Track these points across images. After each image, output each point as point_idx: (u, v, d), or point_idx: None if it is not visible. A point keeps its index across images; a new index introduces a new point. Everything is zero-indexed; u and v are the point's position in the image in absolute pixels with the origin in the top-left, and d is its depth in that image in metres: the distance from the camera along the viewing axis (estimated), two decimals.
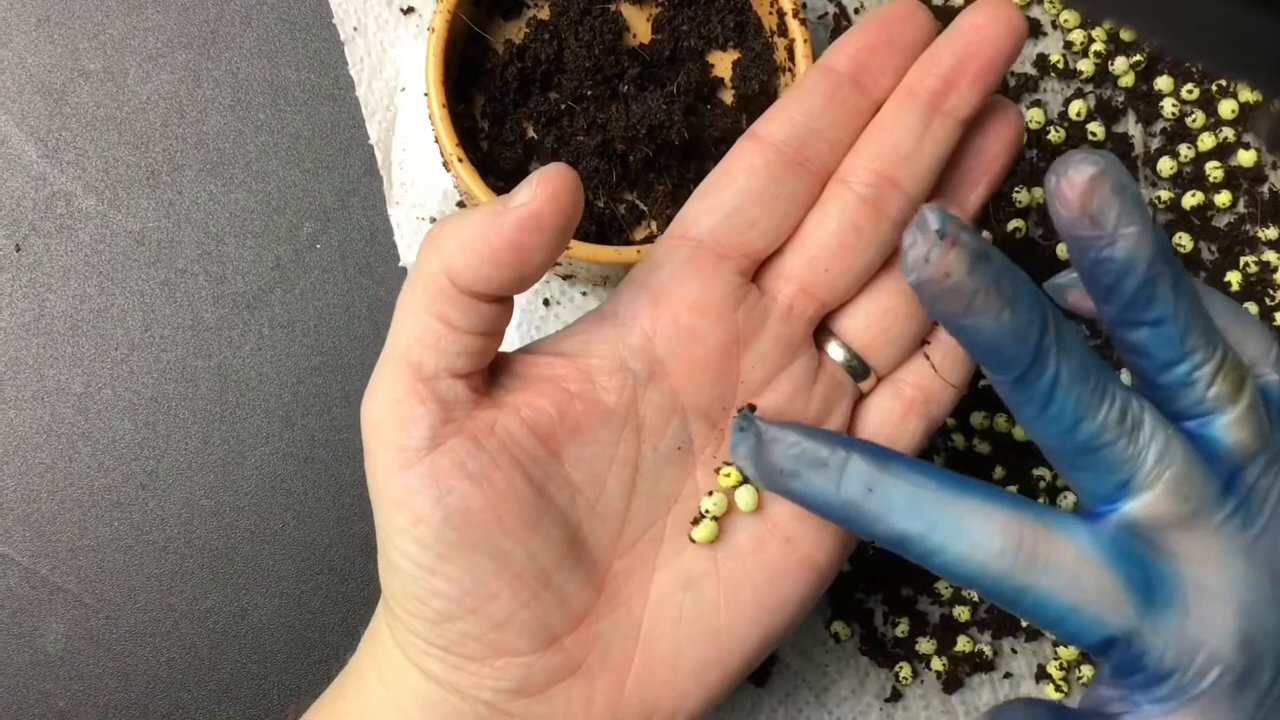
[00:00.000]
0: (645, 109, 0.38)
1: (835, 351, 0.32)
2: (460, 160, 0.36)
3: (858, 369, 0.32)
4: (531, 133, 0.40)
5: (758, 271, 0.32)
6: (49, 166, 0.41)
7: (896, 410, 0.33)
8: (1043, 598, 0.27)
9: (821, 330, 0.32)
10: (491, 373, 0.30)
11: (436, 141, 0.37)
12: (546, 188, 0.28)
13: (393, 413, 0.29)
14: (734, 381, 0.31)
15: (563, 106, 0.39)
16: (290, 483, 0.40)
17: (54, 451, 0.40)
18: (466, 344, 0.29)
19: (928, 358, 0.33)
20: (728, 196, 0.31)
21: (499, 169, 0.39)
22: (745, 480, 0.31)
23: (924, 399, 0.33)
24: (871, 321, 0.32)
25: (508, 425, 0.29)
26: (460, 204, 0.41)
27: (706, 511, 0.31)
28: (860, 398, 0.33)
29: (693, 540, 0.31)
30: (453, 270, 0.28)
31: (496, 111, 0.39)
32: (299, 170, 0.41)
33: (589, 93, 0.39)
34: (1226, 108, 0.41)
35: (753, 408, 0.31)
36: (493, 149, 0.39)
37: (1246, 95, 0.42)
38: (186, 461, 0.40)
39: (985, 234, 0.42)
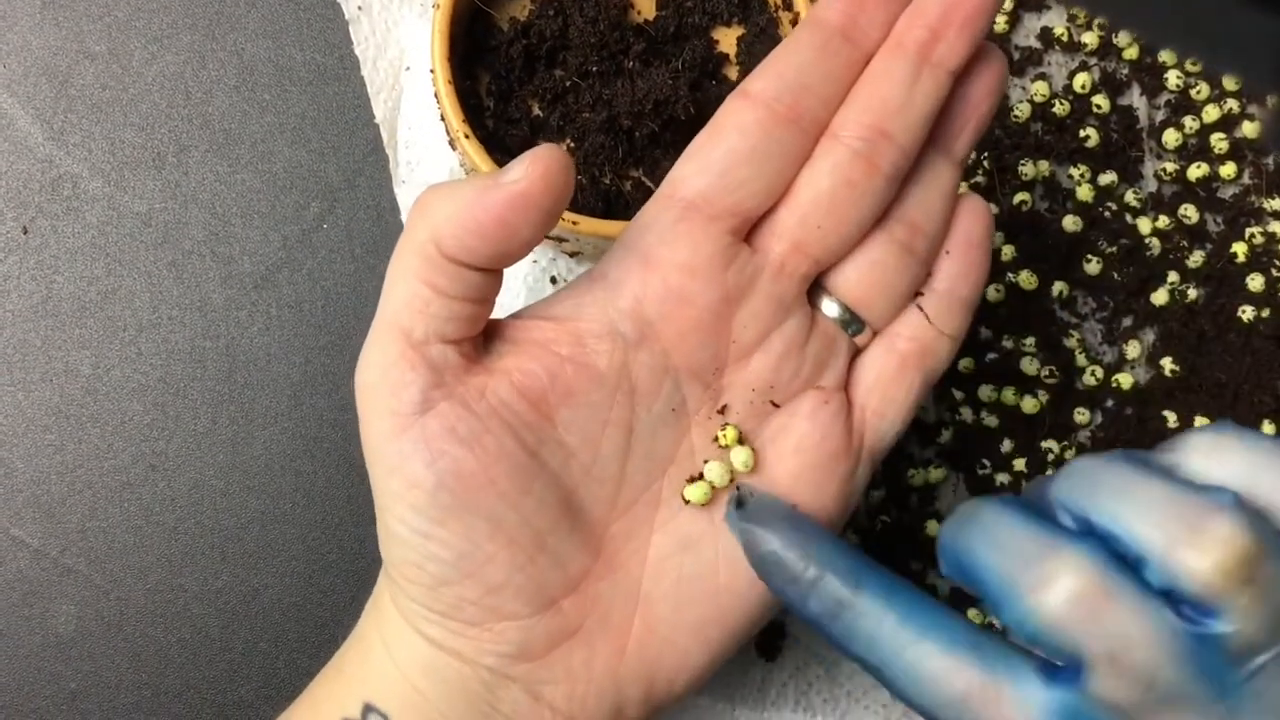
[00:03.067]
0: (650, 85, 0.38)
1: (829, 308, 0.32)
2: (467, 136, 0.36)
3: (852, 324, 0.32)
4: (537, 110, 0.40)
5: (750, 229, 0.31)
6: (55, 149, 0.41)
7: (892, 364, 0.32)
8: None
9: (814, 287, 0.32)
10: (484, 339, 0.30)
11: (442, 119, 0.38)
12: (538, 167, 0.28)
13: (384, 378, 0.29)
14: (726, 341, 0.31)
15: (568, 83, 0.39)
16: (299, 462, 0.41)
17: (63, 433, 0.40)
18: (455, 310, 0.29)
19: (921, 309, 0.33)
20: (718, 156, 0.31)
21: (505, 146, 0.39)
22: (741, 440, 0.31)
23: (920, 351, 0.32)
24: (863, 276, 0.32)
25: (498, 390, 0.29)
26: None
27: (709, 481, 0.31)
28: (856, 353, 0.33)
29: (685, 501, 0.31)
30: (440, 240, 0.28)
31: (502, 89, 0.39)
32: (305, 150, 0.41)
33: (594, 69, 0.39)
34: (1231, 80, 0.42)
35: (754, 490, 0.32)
36: (498, 127, 0.39)
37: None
38: (196, 442, 0.40)
39: (991, 207, 0.42)
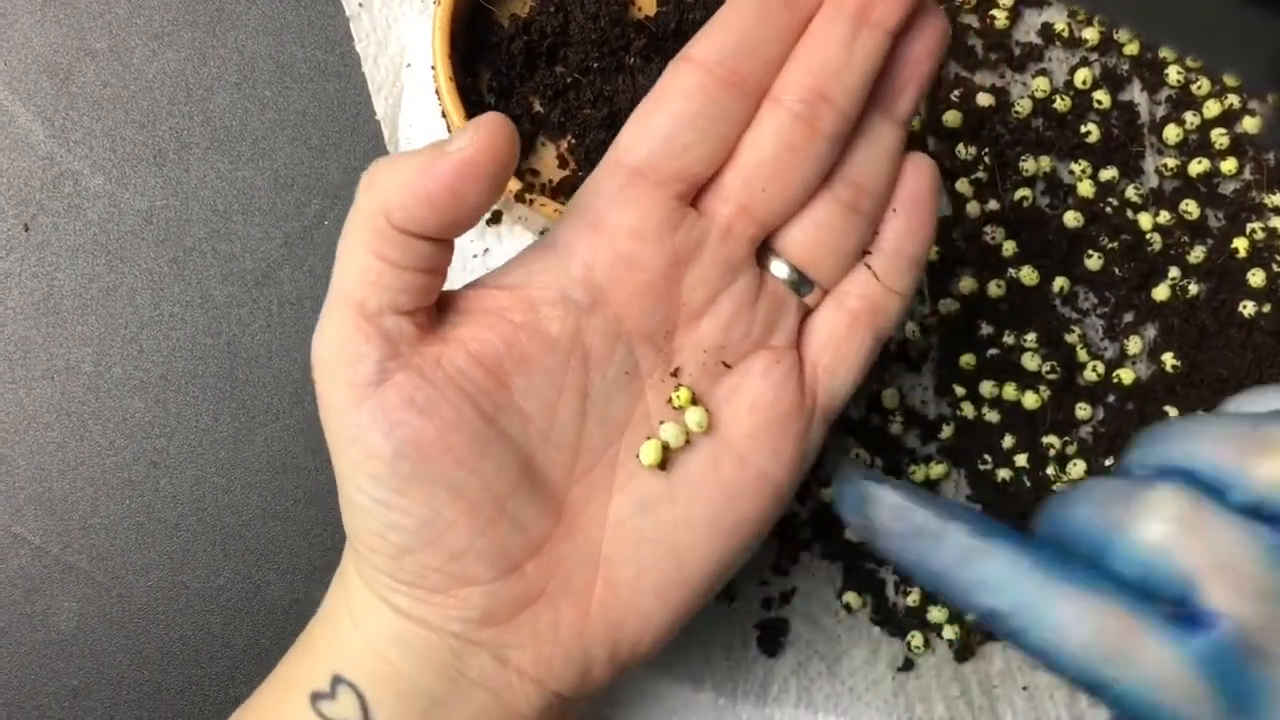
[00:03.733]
0: (652, 81, 0.38)
1: (778, 269, 0.33)
2: None
3: (801, 284, 0.33)
4: (538, 107, 0.40)
5: (697, 194, 0.32)
6: (56, 146, 0.41)
7: (843, 322, 0.33)
8: (1126, 693, 0.26)
9: (763, 249, 0.33)
10: (438, 310, 0.31)
11: (444, 116, 0.38)
12: (482, 135, 0.28)
13: (340, 351, 0.29)
14: (676, 304, 0.32)
15: (569, 80, 0.39)
16: (301, 459, 0.41)
17: (64, 430, 0.40)
18: (407, 281, 0.29)
19: (869, 267, 0.33)
20: (662, 122, 0.31)
21: None
22: (695, 401, 0.32)
23: (870, 309, 0.33)
24: (810, 236, 0.32)
25: (454, 358, 0.30)
26: None
27: (664, 441, 0.31)
28: (807, 313, 0.33)
29: (641, 463, 0.31)
30: (388, 210, 0.28)
31: (503, 86, 0.39)
32: (306, 147, 0.41)
33: (595, 65, 0.39)
34: (1231, 76, 0.42)
35: (858, 455, 0.31)
36: None
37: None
38: (197, 439, 0.40)
39: (992, 203, 0.42)
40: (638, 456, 0.32)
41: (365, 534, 0.30)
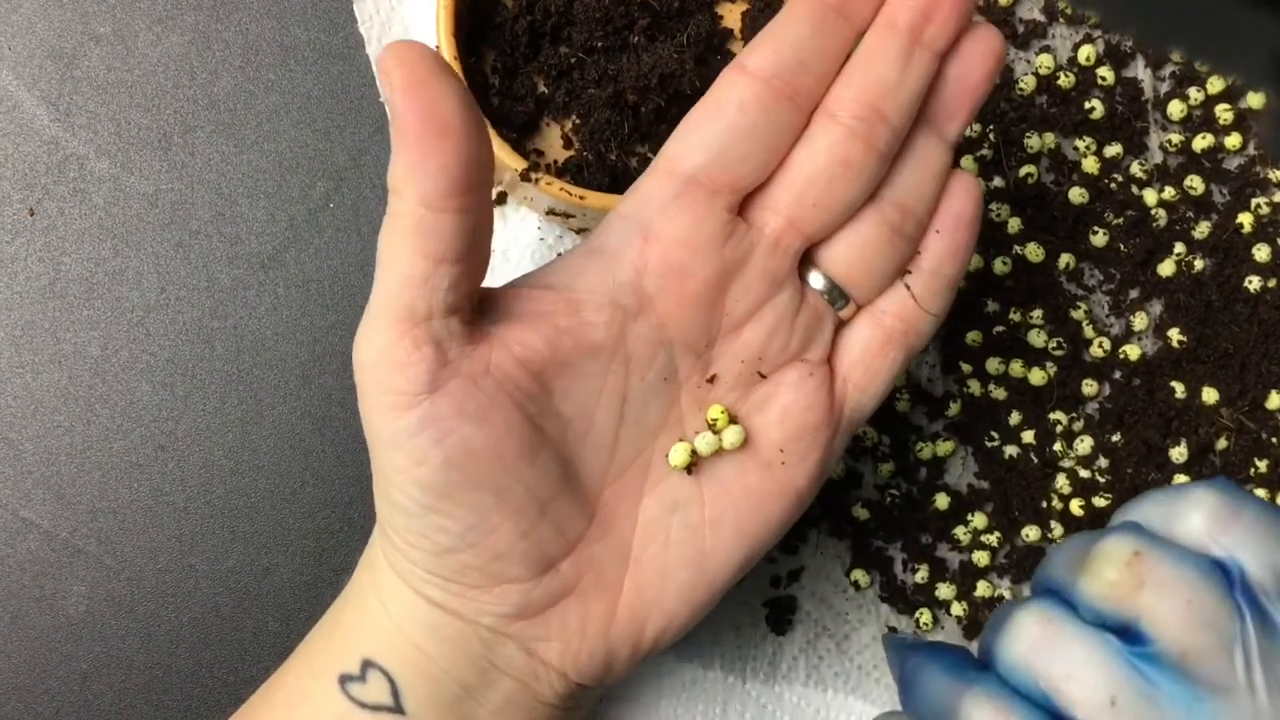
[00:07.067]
0: (656, 59, 0.38)
1: (816, 281, 0.33)
2: None
3: (838, 299, 0.33)
4: (542, 87, 0.40)
5: (743, 203, 0.32)
6: (61, 131, 0.41)
7: (877, 340, 0.33)
8: None
9: (803, 260, 0.33)
10: (481, 309, 0.30)
11: None
12: (401, 99, 0.27)
13: (387, 357, 0.29)
14: (720, 314, 0.32)
15: (573, 60, 0.39)
16: (309, 441, 0.41)
17: (72, 415, 0.40)
18: (455, 275, 0.28)
19: (908, 288, 0.33)
20: (717, 132, 0.31)
21: (510, 124, 0.39)
22: (733, 420, 0.32)
23: (904, 329, 0.33)
24: (853, 253, 0.32)
25: (501, 363, 0.30)
26: None
27: (698, 450, 0.32)
28: (840, 325, 0.33)
29: (670, 464, 0.32)
30: (424, 196, 0.28)
31: (507, 66, 0.39)
32: (310, 130, 0.41)
33: (599, 45, 0.39)
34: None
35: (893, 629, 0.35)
36: (504, 104, 0.39)
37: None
38: (205, 422, 0.40)
39: (997, 180, 0.42)
40: (667, 459, 0.32)
41: (405, 531, 0.30)
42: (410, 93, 0.27)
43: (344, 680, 0.31)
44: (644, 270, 0.31)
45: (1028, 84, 0.42)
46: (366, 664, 0.31)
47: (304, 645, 0.33)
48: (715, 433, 0.32)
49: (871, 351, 0.33)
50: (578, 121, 0.40)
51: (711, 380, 0.32)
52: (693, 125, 0.32)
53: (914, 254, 0.33)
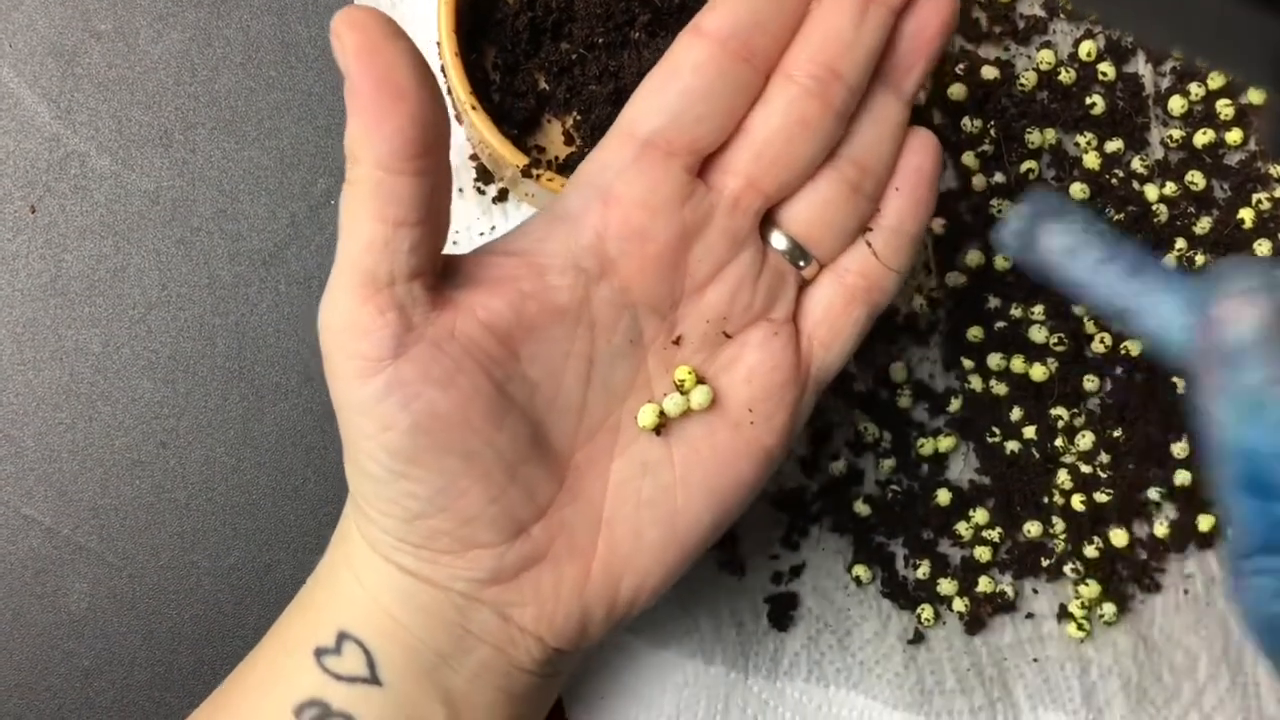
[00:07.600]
0: (657, 56, 0.38)
1: (777, 241, 0.33)
2: (474, 108, 0.36)
3: (800, 258, 0.33)
4: (543, 83, 0.40)
5: (703, 166, 0.32)
6: (62, 128, 0.41)
7: (840, 298, 0.34)
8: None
9: (763, 221, 0.33)
10: (445, 275, 0.31)
11: (449, 93, 0.37)
12: (354, 66, 0.27)
13: (353, 322, 0.29)
14: (683, 275, 0.32)
15: (574, 56, 0.39)
16: (310, 437, 0.41)
17: (74, 411, 0.40)
18: (414, 238, 0.29)
19: (869, 245, 0.33)
20: (674, 95, 0.31)
21: (511, 120, 0.39)
22: (701, 381, 0.32)
23: (867, 286, 0.34)
24: (813, 212, 0.33)
25: (466, 328, 0.30)
26: (473, 156, 0.41)
27: (665, 411, 0.32)
28: (803, 285, 0.34)
29: (639, 426, 0.32)
30: (380, 159, 0.28)
31: (508, 62, 0.39)
32: (312, 127, 0.41)
33: (600, 41, 0.39)
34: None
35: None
36: (505, 100, 0.39)
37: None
38: (206, 419, 0.40)
39: (998, 175, 0.42)
40: (636, 420, 0.32)
41: (375, 499, 0.30)
42: (364, 57, 0.27)
43: (319, 654, 0.31)
44: (605, 234, 0.31)
45: (1029, 80, 0.42)
46: (342, 636, 0.31)
47: (278, 624, 0.33)
48: (683, 394, 0.32)
49: (835, 309, 0.34)
50: (579, 118, 0.40)
51: (677, 342, 0.33)
52: (650, 89, 0.32)
53: (875, 211, 0.34)
